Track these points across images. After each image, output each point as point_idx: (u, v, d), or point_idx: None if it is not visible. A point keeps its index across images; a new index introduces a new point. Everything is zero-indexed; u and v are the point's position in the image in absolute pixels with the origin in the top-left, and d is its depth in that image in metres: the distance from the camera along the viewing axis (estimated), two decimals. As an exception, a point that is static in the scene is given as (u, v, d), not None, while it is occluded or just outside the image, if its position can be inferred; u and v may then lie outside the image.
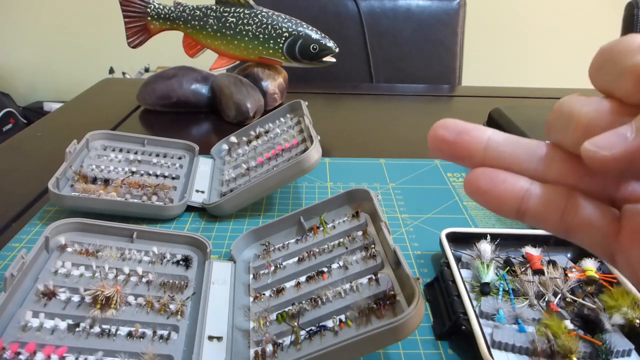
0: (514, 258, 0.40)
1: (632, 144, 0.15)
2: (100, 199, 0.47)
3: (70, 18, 2.16)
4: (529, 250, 0.40)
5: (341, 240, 0.39)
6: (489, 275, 0.37)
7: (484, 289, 0.37)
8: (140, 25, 0.78)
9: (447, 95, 1.01)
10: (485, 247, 0.39)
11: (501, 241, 0.40)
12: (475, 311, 0.34)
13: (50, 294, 0.34)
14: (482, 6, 1.90)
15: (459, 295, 0.36)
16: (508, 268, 0.38)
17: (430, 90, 1.03)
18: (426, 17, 1.16)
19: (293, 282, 0.37)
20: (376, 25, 1.15)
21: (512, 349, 0.32)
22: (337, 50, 0.76)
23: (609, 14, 1.72)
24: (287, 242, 0.41)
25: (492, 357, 0.30)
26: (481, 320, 0.34)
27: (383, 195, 0.55)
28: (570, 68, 2.13)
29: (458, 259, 0.40)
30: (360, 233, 0.39)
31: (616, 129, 0.16)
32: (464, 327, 0.33)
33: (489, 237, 0.41)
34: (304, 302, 0.34)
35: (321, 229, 0.41)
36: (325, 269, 0.37)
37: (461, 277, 0.37)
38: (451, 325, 0.35)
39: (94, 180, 0.50)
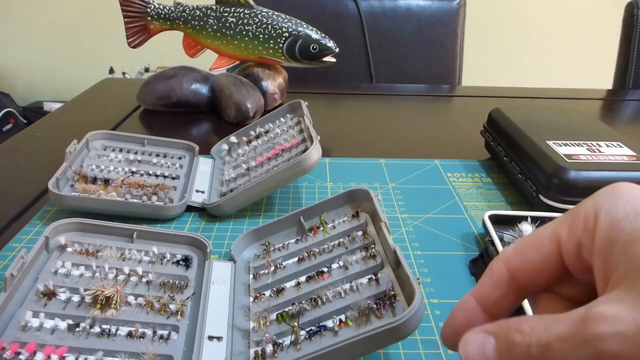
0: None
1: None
2: (100, 199, 0.47)
3: (70, 18, 2.16)
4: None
5: (341, 240, 0.39)
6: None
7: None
8: (140, 25, 0.78)
9: (447, 95, 1.01)
10: (527, 227, 0.41)
11: (541, 223, 0.42)
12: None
13: (50, 294, 0.34)
14: (482, 6, 1.90)
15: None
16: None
17: (430, 90, 1.03)
18: (426, 17, 1.16)
19: (293, 282, 0.37)
20: (376, 26, 1.15)
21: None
22: (337, 50, 0.76)
23: (608, 14, 1.72)
24: (287, 242, 0.41)
25: None
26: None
27: (383, 195, 0.55)
28: (570, 68, 2.14)
29: (500, 239, 0.41)
30: (360, 233, 0.39)
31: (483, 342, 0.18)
32: None
33: (529, 219, 0.42)
34: (304, 302, 0.34)
35: (321, 229, 0.41)
36: (325, 269, 0.37)
37: None
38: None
39: (94, 180, 0.50)
